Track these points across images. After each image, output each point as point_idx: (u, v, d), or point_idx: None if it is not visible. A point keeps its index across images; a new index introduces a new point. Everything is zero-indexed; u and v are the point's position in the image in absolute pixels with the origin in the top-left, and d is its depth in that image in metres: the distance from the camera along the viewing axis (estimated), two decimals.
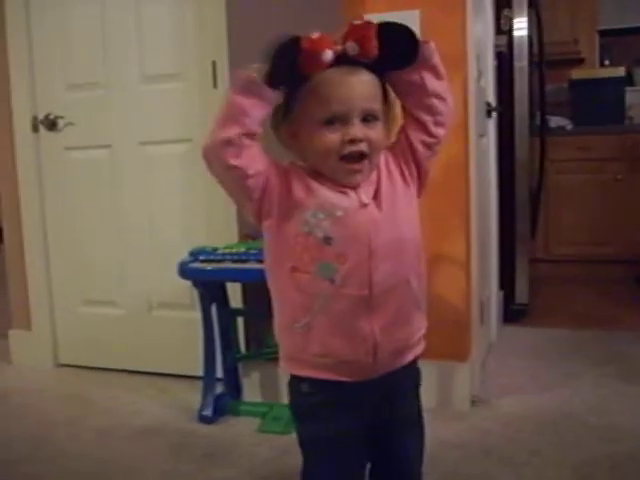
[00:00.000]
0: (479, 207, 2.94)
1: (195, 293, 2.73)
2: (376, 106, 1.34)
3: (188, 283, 2.69)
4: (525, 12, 3.90)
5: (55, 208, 3.42)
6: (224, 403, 2.79)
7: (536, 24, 4.15)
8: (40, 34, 3.31)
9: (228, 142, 1.27)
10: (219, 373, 2.81)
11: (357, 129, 1.31)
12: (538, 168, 4.38)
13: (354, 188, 1.35)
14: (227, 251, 2.62)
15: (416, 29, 1.34)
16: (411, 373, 1.52)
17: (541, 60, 4.25)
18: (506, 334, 3.77)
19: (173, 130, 3.12)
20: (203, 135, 3.01)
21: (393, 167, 1.41)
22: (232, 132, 1.26)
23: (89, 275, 3.39)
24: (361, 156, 1.32)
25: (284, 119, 1.38)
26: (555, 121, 5.28)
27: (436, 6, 2.55)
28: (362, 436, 1.46)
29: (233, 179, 1.31)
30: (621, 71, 5.43)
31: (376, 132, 1.33)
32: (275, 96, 1.30)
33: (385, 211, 1.35)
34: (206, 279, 2.66)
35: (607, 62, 5.92)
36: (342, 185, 1.35)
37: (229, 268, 2.57)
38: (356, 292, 1.33)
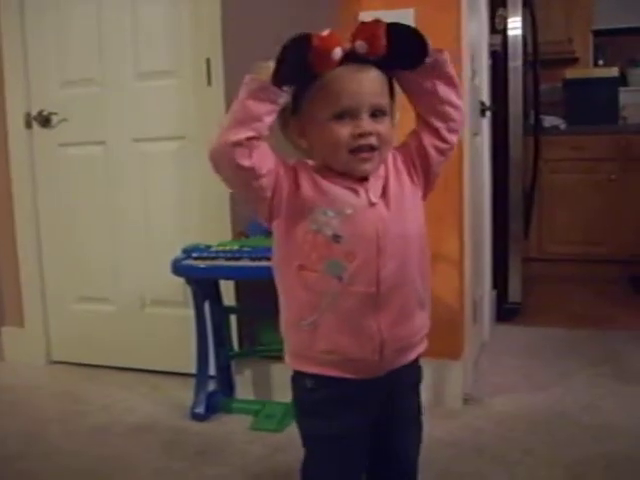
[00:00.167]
0: (472, 206, 2.94)
1: (188, 290, 2.73)
2: (384, 101, 1.36)
3: (181, 280, 2.69)
4: (519, 11, 3.90)
5: (48, 204, 3.41)
6: (217, 400, 2.78)
7: (530, 23, 4.15)
8: (35, 30, 3.30)
9: (238, 144, 1.26)
10: (212, 370, 2.81)
11: (366, 123, 1.32)
12: (532, 167, 4.38)
13: (362, 183, 1.36)
14: (220, 249, 2.62)
15: None
16: (413, 371, 1.53)
17: (535, 59, 4.25)
18: (499, 333, 3.78)
19: (167, 127, 3.11)
20: (197, 132, 3.03)
21: (402, 167, 1.42)
22: (242, 136, 1.26)
23: (82, 272, 3.38)
24: (371, 149, 1.33)
25: (292, 117, 1.39)
26: (549, 120, 5.28)
27: (431, 5, 2.55)
28: (365, 434, 1.47)
29: (244, 180, 1.31)
30: (615, 71, 5.45)
31: (384, 126, 1.35)
32: (285, 98, 1.30)
33: (393, 210, 1.36)
34: (199, 276, 2.66)
35: (601, 62, 5.92)
36: (351, 179, 1.36)
37: (222, 266, 2.56)
38: (364, 290, 1.34)
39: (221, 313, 2.82)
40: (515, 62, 3.91)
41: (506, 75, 3.87)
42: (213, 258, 2.58)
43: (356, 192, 1.35)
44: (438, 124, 1.39)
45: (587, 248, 5.13)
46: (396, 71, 1.38)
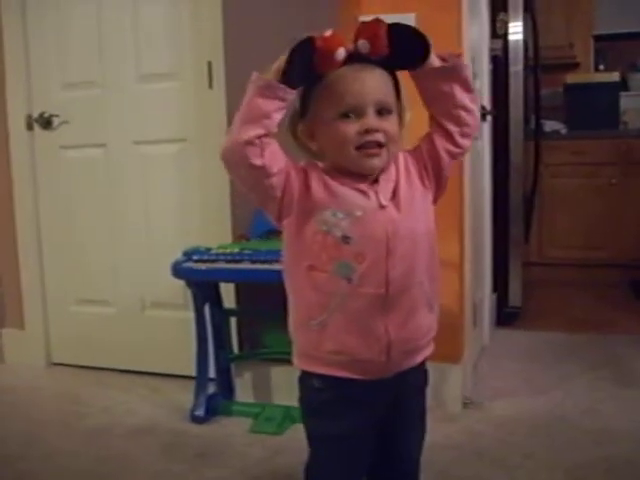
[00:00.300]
0: (473, 210, 2.95)
1: (188, 293, 2.73)
2: (389, 99, 1.36)
3: (181, 283, 2.69)
4: (520, 16, 3.91)
5: (49, 207, 3.42)
6: (216, 403, 2.78)
7: (531, 28, 4.15)
8: (36, 32, 3.31)
9: (250, 143, 1.27)
10: (212, 373, 2.82)
11: (372, 120, 1.33)
12: (532, 172, 4.38)
13: (372, 185, 1.37)
14: (221, 251, 2.62)
15: None
16: (420, 374, 1.54)
17: (536, 64, 4.26)
18: (499, 337, 3.77)
19: (168, 130, 3.12)
20: (198, 135, 3.04)
21: (413, 170, 1.42)
22: (253, 134, 1.27)
23: (82, 274, 3.38)
24: (378, 145, 1.34)
25: (301, 121, 1.40)
26: (550, 125, 5.29)
27: (432, 8, 2.55)
28: (370, 435, 1.47)
29: (256, 178, 1.31)
30: (616, 76, 5.44)
31: (391, 124, 1.35)
32: (292, 95, 1.31)
33: (403, 212, 1.37)
34: (199, 279, 2.66)
35: (602, 67, 5.92)
36: (362, 181, 1.37)
37: (223, 268, 2.56)
38: (373, 291, 1.34)
39: (221, 316, 2.82)
40: (516, 67, 3.91)
41: (507, 80, 3.87)
42: (213, 261, 2.58)
43: (366, 194, 1.36)
44: (452, 128, 1.40)
45: (587, 252, 5.12)
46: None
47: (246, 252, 2.56)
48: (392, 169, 1.40)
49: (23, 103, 3.36)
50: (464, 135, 1.41)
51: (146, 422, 2.76)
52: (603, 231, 5.10)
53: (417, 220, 1.39)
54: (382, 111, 1.34)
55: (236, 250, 2.60)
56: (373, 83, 1.34)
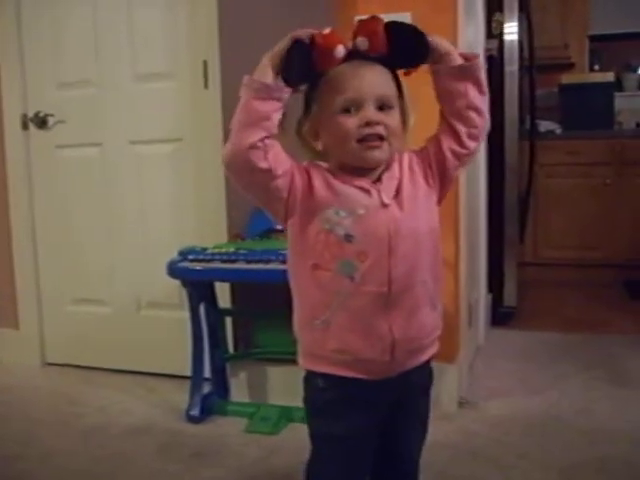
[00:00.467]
0: (468, 210, 2.95)
1: (184, 293, 2.74)
2: (390, 93, 1.37)
3: (177, 282, 2.69)
4: (516, 16, 3.91)
5: (44, 206, 3.41)
6: (212, 403, 2.78)
7: (527, 28, 4.16)
8: (31, 31, 3.31)
9: (253, 147, 1.27)
10: (207, 373, 2.82)
11: (372, 113, 1.33)
12: (527, 172, 4.39)
13: (375, 183, 1.37)
14: (216, 251, 2.62)
15: None
16: (424, 373, 1.54)
17: (531, 64, 4.26)
18: (494, 337, 3.78)
19: (164, 129, 3.12)
20: (194, 135, 3.04)
21: (417, 169, 1.43)
22: (255, 137, 1.27)
23: (78, 274, 3.38)
24: (380, 138, 1.34)
25: (305, 120, 1.41)
26: (545, 125, 5.29)
27: (427, 8, 2.55)
28: (373, 434, 1.48)
29: (262, 182, 1.32)
30: (610, 76, 5.45)
31: (393, 118, 1.36)
32: (289, 93, 1.32)
33: (406, 211, 1.37)
34: (195, 279, 2.66)
35: (597, 67, 5.94)
36: (365, 176, 1.37)
37: (218, 268, 2.56)
38: (375, 289, 1.34)
39: (216, 315, 2.82)
40: (511, 67, 3.91)
41: (502, 80, 3.87)
42: (209, 260, 2.58)
43: (368, 193, 1.36)
44: (460, 128, 1.40)
45: (582, 252, 5.13)
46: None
47: (241, 252, 2.56)
48: (395, 168, 1.41)
49: (18, 102, 3.36)
50: (471, 136, 1.41)
51: (142, 422, 2.76)
52: (598, 231, 5.11)
53: (420, 219, 1.39)
54: (383, 106, 1.35)
55: (231, 250, 2.60)
56: (372, 78, 1.35)
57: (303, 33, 1.29)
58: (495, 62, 3.85)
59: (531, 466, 2.29)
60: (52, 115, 3.31)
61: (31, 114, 3.34)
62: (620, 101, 5.54)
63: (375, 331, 1.37)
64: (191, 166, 3.05)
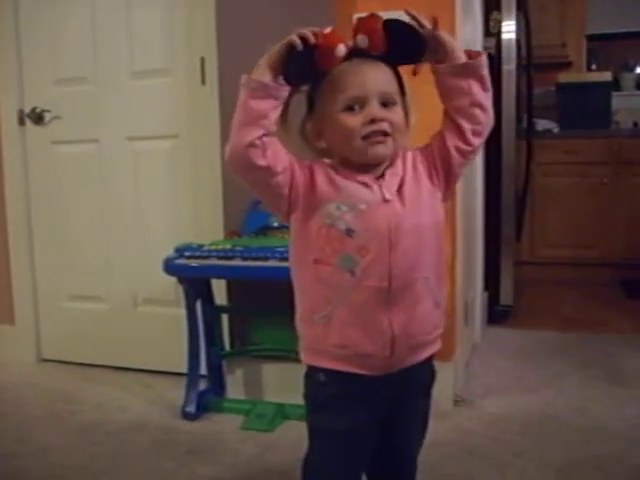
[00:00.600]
0: (465, 208, 2.95)
1: (180, 289, 2.73)
2: (392, 90, 1.37)
3: (173, 279, 2.69)
4: (514, 15, 3.91)
5: (41, 202, 3.41)
6: (208, 400, 2.78)
7: (524, 27, 4.16)
8: (29, 27, 3.30)
9: (251, 145, 1.28)
10: (203, 370, 2.81)
11: (376, 109, 1.34)
12: (524, 171, 4.39)
13: (378, 179, 1.38)
14: (213, 248, 2.61)
15: None
16: (426, 372, 1.55)
17: (529, 63, 4.26)
18: (490, 335, 3.78)
19: (161, 126, 3.11)
20: (191, 131, 3.04)
21: (421, 167, 1.43)
22: (253, 135, 1.28)
23: (74, 270, 3.37)
24: (384, 134, 1.35)
25: (308, 120, 1.42)
26: (542, 124, 5.30)
27: (425, 7, 2.53)
28: (373, 430, 1.48)
29: (263, 179, 1.33)
30: (608, 76, 5.46)
31: (396, 115, 1.36)
32: (286, 92, 1.32)
33: (408, 207, 1.37)
34: (191, 275, 2.66)
35: (594, 66, 5.95)
36: (368, 172, 1.38)
37: (214, 265, 2.56)
38: (376, 284, 1.35)
39: (213, 312, 2.82)
40: (509, 65, 3.91)
41: (499, 78, 3.87)
42: (205, 257, 2.58)
43: (370, 188, 1.36)
44: (465, 125, 1.40)
45: (579, 251, 5.14)
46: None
47: (238, 249, 2.56)
48: (399, 164, 1.41)
49: (15, 98, 3.35)
50: (475, 133, 1.41)
51: (137, 419, 2.75)
52: (594, 230, 5.12)
53: (422, 216, 1.39)
54: (386, 103, 1.35)
55: (228, 247, 2.60)
56: (375, 75, 1.35)
57: (304, 32, 1.29)
58: (492, 61, 3.84)
59: (527, 464, 2.29)
60: (49, 111, 3.30)
61: (28, 110, 3.34)
62: (617, 100, 5.55)
63: (375, 326, 1.37)
64: (188, 163, 3.05)
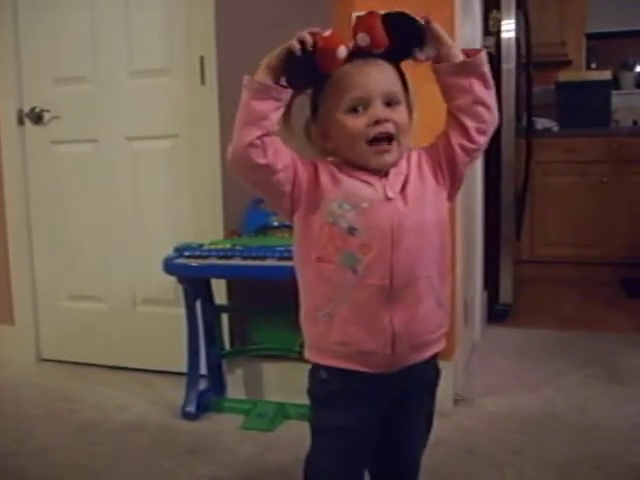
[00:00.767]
0: (464, 207, 2.94)
1: (180, 289, 2.73)
2: (396, 90, 1.37)
3: (173, 279, 2.69)
4: (513, 14, 3.91)
5: (40, 202, 3.40)
6: (208, 399, 2.78)
7: (524, 26, 4.16)
8: (28, 27, 3.29)
9: (251, 145, 1.29)
10: (203, 369, 2.81)
11: (380, 111, 1.34)
12: (524, 170, 4.39)
13: (381, 178, 1.37)
14: (212, 247, 2.61)
15: None
16: (429, 371, 1.54)
17: (528, 62, 4.26)
18: (490, 334, 3.78)
19: (160, 125, 3.11)
20: (190, 131, 3.04)
21: (426, 167, 1.43)
22: (253, 135, 1.29)
23: (73, 270, 3.37)
24: (389, 138, 1.35)
25: (313, 122, 1.42)
26: (541, 123, 5.29)
27: (424, 6, 2.53)
28: (374, 429, 1.48)
29: (263, 177, 1.33)
30: (607, 74, 5.45)
31: (400, 114, 1.36)
32: (288, 94, 1.32)
33: (411, 206, 1.37)
34: (191, 275, 2.65)
35: (594, 65, 5.94)
36: (372, 172, 1.37)
37: (214, 264, 2.56)
38: (378, 282, 1.35)
39: (212, 312, 2.81)
40: (508, 64, 3.91)
41: (499, 77, 3.86)
42: (205, 257, 2.58)
43: (373, 186, 1.36)
44: (469, 123, 1.40)
45: (579, 250, 5.14)
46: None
47: (237, 248, 2.56)
48: (403, 164, 1.41)
49: (14, 98, 3.34)
50: (480, 131, 1.41)
51: (137, 418, 2.75)
52: (594, 229, 5.11)
53: (426, 214, 1.39)
54: (390, 102, 1.35)
55: (228, 246, 2.60)
56: (378, 75, 1.35)
57: (303, 36, 1.29)
58: (492, 59, 3.83)
59: (527, 463, 2.29)
60: (48, 111, 3.30)
61: (27, 110, 3.33)
62: (617, 99, 5.55)
63: (377, 324, 1.37)
64: (187, 162, 3.05)
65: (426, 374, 1.53)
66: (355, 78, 1.34)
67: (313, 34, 1.29)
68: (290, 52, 1.28)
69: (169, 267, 2.61)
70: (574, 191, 5.15)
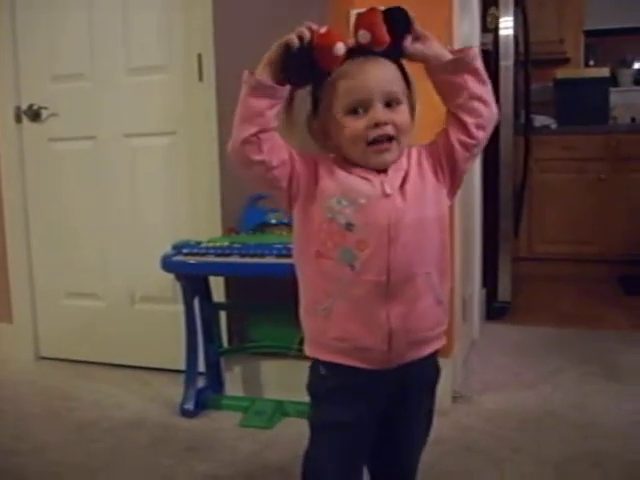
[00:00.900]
0: (463, 204, 2.94)
1: (178, 286, 2.73)
2: (397, 89, 1.37)
3: (171, 276, 2.68)
4: (511, 11, 3.91)
5: (37, 199, 3.40)
6: (206, 397, 2.78)
7: (522, 23, 4.16)
8: (26, 24, 3.29)
9: (247, 141, 1.30)
10: (201, 367, 2.81)
11: (380, 113, 1.33)
12: (522, 167, 4.39)
13: (380, 174, 1.37)
14: (210, 245, 2.61)
15: None
16: (429, 368, 1.55)
17: (526, 59, 4.26)
18: (488, 331, 3.78)
19: (158, 122, 3.10)
20: (188, 128, 3.04)
21: (426, 164, 1.42)
22: (248, 132, 1.30)
23: (72, 267, 3.37)
24: (389, 139, 1.35)
25: (314, 120, 1.42)
26: (540, 120, 5.28)
27: (422, 3, 2.54)
28: (372, 425, 1.48)
29: (260, 173, 1.34)
30: (605, 71, 5.46)
31: (401, 115, 1.36)
32: (286, 92, 1.33)
33: (410, 202, 1.37)
34: (189, 272, 2.66)
35: (592, 62, 5.94)
36: (371, 170, 1.37)
37: (212, 262, 2.56)
38: (375, 278, 1.35)
39: (211, 309, 2.81)
40: (506, 61, 3.92)
41: (497, 74, 3.87)
42: (203, 254, 2.58)
43: (371, 182, 1.36)
44: (467, 119, 1.39)
45: (577, 247, 5.14)
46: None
47: (235, 246, 2.55)
48: (403, 161, 1.41)
49: (12, 95, 3.34)
50: (478, 126, 1.41)
51: (136, 416, 2.75)
52: (592, 226, 5.12)
53: (425, 211, 1.39)
54: (391, 102, 1.35)
55: (226, 244, 2.59)
56: (378, 74, 1.35)
57: (301, 30, 1.29)
58: (490, 57, 3.84)
59: (525, 460, 2.29)
60: (46, 108, 3.29)
61: (24, 107, 3.33)
62: (615, 96, 5.55)
63: (374, 320, 1.37)
64: (185, 159, 3.04)
65: (426, 371, 1.53)
66: (355, 78, 1.34)
67: (311, 30, 1.29)
68: (288, 47, 1.28)
69: (167, 265, 2.61)
70: (572, 188, 5.15)
